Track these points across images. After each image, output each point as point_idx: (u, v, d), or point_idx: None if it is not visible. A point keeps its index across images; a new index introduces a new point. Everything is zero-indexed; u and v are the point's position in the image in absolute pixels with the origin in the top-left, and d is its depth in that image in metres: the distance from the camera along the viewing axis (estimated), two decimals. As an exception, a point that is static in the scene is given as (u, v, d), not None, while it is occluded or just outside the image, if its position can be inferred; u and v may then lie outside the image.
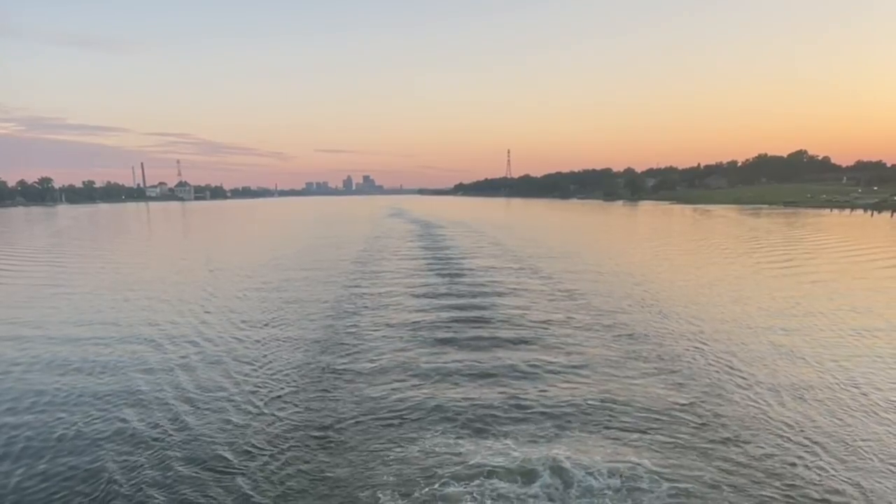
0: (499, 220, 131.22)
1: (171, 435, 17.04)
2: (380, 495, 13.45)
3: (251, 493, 13.83)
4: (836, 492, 13.65)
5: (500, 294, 37.72)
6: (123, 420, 18.22)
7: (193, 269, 54.39)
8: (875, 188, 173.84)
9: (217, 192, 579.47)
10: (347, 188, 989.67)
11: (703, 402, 19.09)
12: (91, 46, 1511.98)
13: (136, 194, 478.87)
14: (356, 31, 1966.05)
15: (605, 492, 13.42)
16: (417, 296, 37.82)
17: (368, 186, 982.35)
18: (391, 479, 14.24)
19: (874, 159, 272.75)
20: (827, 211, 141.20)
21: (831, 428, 17.03)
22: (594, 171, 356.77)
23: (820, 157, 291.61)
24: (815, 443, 16.03)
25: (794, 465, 14.89)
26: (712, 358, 23.86)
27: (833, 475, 14.31)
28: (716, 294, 37.73)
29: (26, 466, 15.39)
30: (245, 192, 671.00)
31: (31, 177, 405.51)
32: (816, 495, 13.48)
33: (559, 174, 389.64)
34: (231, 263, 57.52)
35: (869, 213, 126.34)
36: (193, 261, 62.05)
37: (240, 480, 14.41)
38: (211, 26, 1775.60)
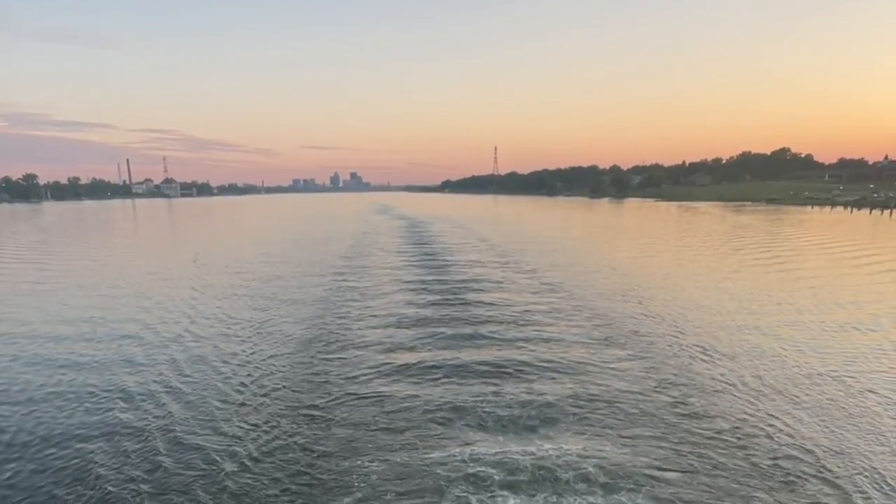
0: (486, 217, 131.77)
1: (158, 427, 17.17)
2: (363, 483, 13.97)
3: (237, 478, 14.33)
4: (800, 448, 15.04)
5: (484, 288, 38.55)
6: (112, 414, 18.30)
7: (181, 264, 54.60)
8: (871, 185, 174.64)
9: (204, 189, 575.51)
10: (335, 185, 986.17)
11: (672, 382, 20.27)
12: (75, 41, 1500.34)
13: (122, 191, 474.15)
14: (342, 27, 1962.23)
15: (577, 465, 14.46)
16: (404, 289, 38.49)
17: (356, 183, 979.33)
18: (375, 465, 14.71)
19: (856, 157, 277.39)
20: (808, 208, 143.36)
21: (793, 400, 18.23)
22: (581, 168, 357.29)
23: (803, 155, 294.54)
24: (781, 412, 17.24)
25: (763, 433, 16.19)
26: (686, 343, 25.07)
27: (795, 442, 15.50)
28: (696, 286, 38.98)
29: (13, 461, 15.46)
30: (232, 189, 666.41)
31: (16, 173, 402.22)
32: (771, 461, 14.66)
33: (546, 171, 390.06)
34: (219, 259, 57.94)
35: (848, 209, 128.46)
36: (181, 257, 62.19)
37: (226, 469, 14.73)
38: (196, 22, 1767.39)
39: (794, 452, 15.15)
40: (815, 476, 14.05)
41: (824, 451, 15.20)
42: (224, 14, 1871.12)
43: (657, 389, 19.60)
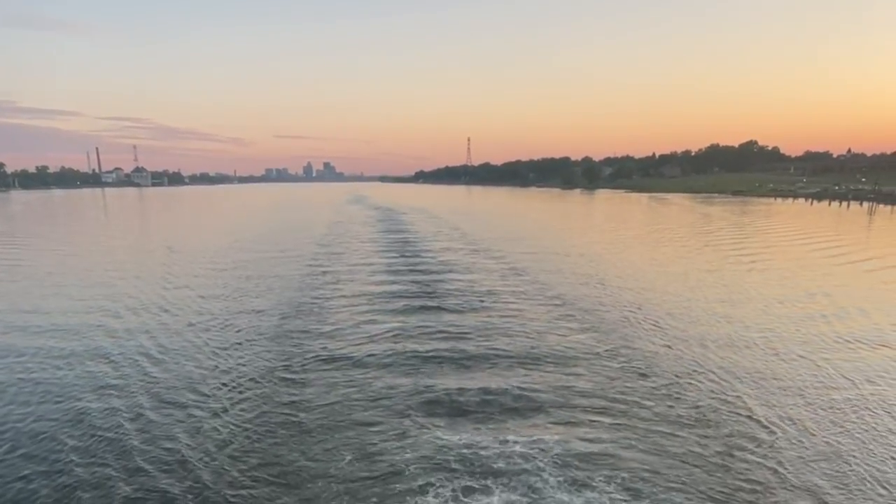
0: (459, 208, 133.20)
1: (131, 422, 16.93)
2: (339, 482, 13.71)
3: (212, 476, 14.06)
4: (722, 397, 17.28)
5: (454, 272, 40.40)
6: (82, 406, 18.10)
7: (155, 252, 55.30)
8: (863, 179, 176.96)
9: (175, 179, 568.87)
10: (308, 175, 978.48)
11: (621, 348, 22.64)
12: (39, 27, 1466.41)
13: (92, 180, 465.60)
14: (314, 17, 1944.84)
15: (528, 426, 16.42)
16: (376, 275, 39.88)
17: (329, 173, 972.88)
18: (348, 458, 14.67)
19: (822, 149, 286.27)
20: (772, 200, 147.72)
21: (724, 358, 20.67)
22: (553, 159, 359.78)
23: (770, 148, 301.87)
24: (710, 370, 19.67)
25: (692, 387, 18.58)
26: (637, 317, 27.55)
27: (718, 392, 17.87)
28: (658, 271, 41.68)
29: None
30: (203, 179, 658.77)
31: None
32: (694, 408, 17.02)
33: (519, 162, 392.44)
34: (194, 246, 58.90)
35: (809, 201, 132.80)
36: (155, 245, 62.66)
37: (199, 466, 14.52)
38: (163, 9, 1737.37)
39: (716, 399, 17.67)
40: (735, 415, 16.60)
41: (747, 399, 17.63)
42: (192, 1, 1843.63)
43: (607, 354, 22.01)
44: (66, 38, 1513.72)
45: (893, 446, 15.04)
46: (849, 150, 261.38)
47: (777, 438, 15.32)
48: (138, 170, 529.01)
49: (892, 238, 64.41)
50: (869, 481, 13.44)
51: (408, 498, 12.91)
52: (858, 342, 23.74)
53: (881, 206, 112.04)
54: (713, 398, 17.82)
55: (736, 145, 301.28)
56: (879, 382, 19.32)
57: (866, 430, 15.86)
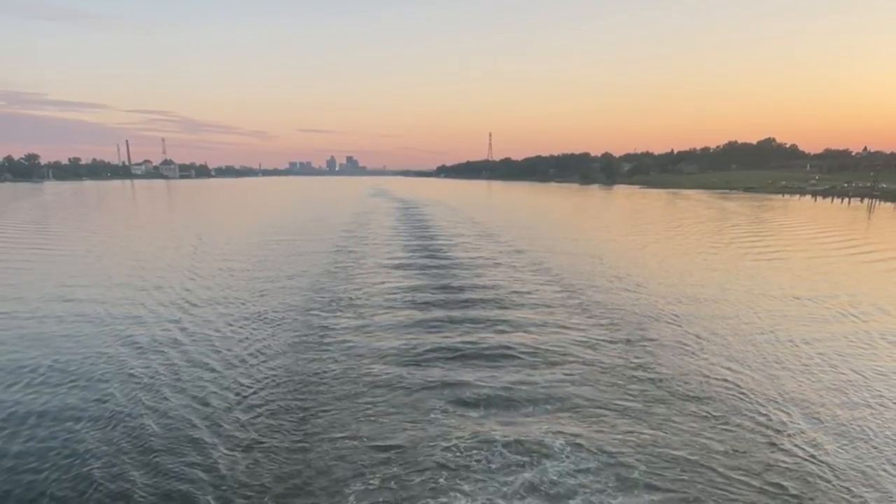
0: (479, 202, 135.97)
1: (150, 411, 17.12)
2: (354, 473, 13.83)
3: (229, 467, 14.15)
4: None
5: (473, 266, 41.65)
6: (104, 393, 18.38)
7: (186, 238, 57.95)
8: (872, 174, 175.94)
9: (202, 171, 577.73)
10: (331, 168, 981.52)
11: (624, 327, 26.53)
12: (67, 21, 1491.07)
13: (122, 172, 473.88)
14: (338, 10, 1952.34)
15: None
16: (398, 267, 41.19)
17: (352, 167, 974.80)
18: (367, 455, 14.65)
19: (842, 147, 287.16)
20: (780, 196, 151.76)
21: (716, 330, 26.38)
22: (573, 155, 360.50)
23: (787, 146, 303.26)
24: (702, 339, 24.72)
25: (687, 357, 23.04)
26: (644, 301, 31.61)
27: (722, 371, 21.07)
28: (653, 256, 47.34)
29: (3, 441, 15.45)
30: (229, 171, 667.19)
31: (15, 152, 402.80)
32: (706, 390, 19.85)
33: (539, 157, 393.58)
34: (223, 234, 63.06)
35: (814, 198, 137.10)
36: (187, 231, 66.20)
37: (216, 454, 14.67)
38: (188, 2, 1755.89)
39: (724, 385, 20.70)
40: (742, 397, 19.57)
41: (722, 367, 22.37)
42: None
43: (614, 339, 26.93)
44: (90, 31, 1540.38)
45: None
46: (865, 148, 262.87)
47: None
48: (167, 162, 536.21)
49: (853, 226, 69.37)
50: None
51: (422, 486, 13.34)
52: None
53: (880, 202, 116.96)
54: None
55: (754, 142, 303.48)
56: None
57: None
